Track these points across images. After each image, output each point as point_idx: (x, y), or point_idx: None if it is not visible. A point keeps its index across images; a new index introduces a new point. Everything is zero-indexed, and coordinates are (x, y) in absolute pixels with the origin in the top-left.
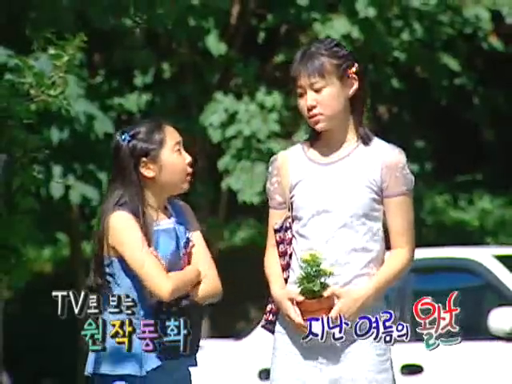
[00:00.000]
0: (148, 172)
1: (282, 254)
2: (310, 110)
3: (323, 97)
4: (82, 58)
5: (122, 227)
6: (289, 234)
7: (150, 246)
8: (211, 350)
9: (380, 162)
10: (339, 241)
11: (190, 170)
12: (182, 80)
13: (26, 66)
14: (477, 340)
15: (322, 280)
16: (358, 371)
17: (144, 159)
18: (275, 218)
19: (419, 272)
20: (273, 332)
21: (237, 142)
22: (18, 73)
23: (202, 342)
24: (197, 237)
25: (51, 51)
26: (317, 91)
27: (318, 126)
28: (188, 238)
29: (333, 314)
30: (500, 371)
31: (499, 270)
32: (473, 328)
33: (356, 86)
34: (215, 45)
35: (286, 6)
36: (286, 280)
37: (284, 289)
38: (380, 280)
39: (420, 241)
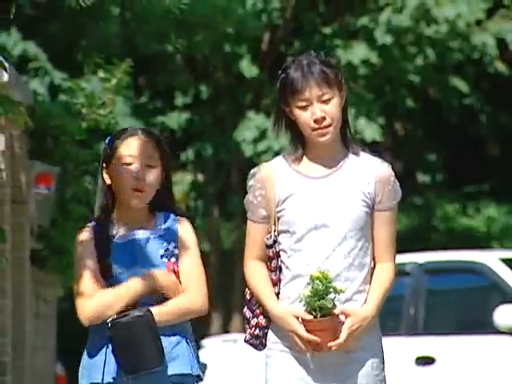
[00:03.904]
0: (107, 179)
1: (275, 269)
2: (319, 122)
3: (331, 108)
4: (128, 80)
5: (77, 254)
6: (277, 248)
7: (103, 261)
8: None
9: (373, 175)
10: (339, 256)
11: (134, 184)
12: (217, 100)
13: (78, 88)
14: (484, 334)
15: (332, 297)
16: None
17: (104, 165)
18: (259, 232)
19: (432, 273)
20: (257, 347)
21: (267, 156)
22: (71, 94)
23: (237, 336)
24: (186, 251)
25: (101, 74)
26: (325, 102)
27: (325, 139)
28: (168, 248)
29: (344, 332)
30: (504, 363)
31: (504, 272)
32: (480, 323)
33: (345, 95)
34: (248, 68)
35: (312, 34)
36: (276, 294)
37: (282, 305)
38: (379, 297)
39: (432, 245)
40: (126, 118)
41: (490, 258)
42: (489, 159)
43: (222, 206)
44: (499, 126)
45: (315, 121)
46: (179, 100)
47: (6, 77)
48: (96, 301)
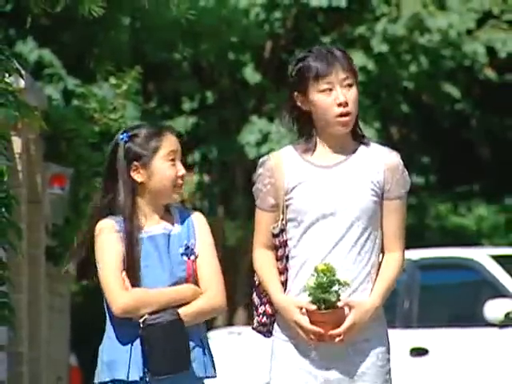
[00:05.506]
0: (138, 176)
1: (281, 258)
2: (342, 106)
3: (352, 95)
4: (138, 86)
5: (102, 240)
6: (283, 237)
7: (133, 254)
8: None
9: (382, 163)
10: (346, 245)
11: (180, 182)
12: (222, 105)
13: (90, 94)
14: (474, 327)
15: (336, 289)
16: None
17: (135, 163)
18: (267, 221)
19: (425, 269)
20: (265, 334)
21: None
22: (83, 99)
23: (242, 329)
24: (203, 248)
25: (112, 81)
26: (347, 87)
27: (346, 128)
28: (188, 246)
29: (346, 324)
30: (493, 354)
31: (493, 267)
32: (471, 316)
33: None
34: (251, 75)
35: (312, 42)
36: (282, 283)
37: (285, 294)
38: (384, 288)
39: (425, 242)
40: (135, 122)
41: (480, 255)
42: (479, 161)
43: (227, 206)
44: (489, 129)
45: (339, 104)
46: (186, 105)
47: (22, 83)
48: (135, 295)
